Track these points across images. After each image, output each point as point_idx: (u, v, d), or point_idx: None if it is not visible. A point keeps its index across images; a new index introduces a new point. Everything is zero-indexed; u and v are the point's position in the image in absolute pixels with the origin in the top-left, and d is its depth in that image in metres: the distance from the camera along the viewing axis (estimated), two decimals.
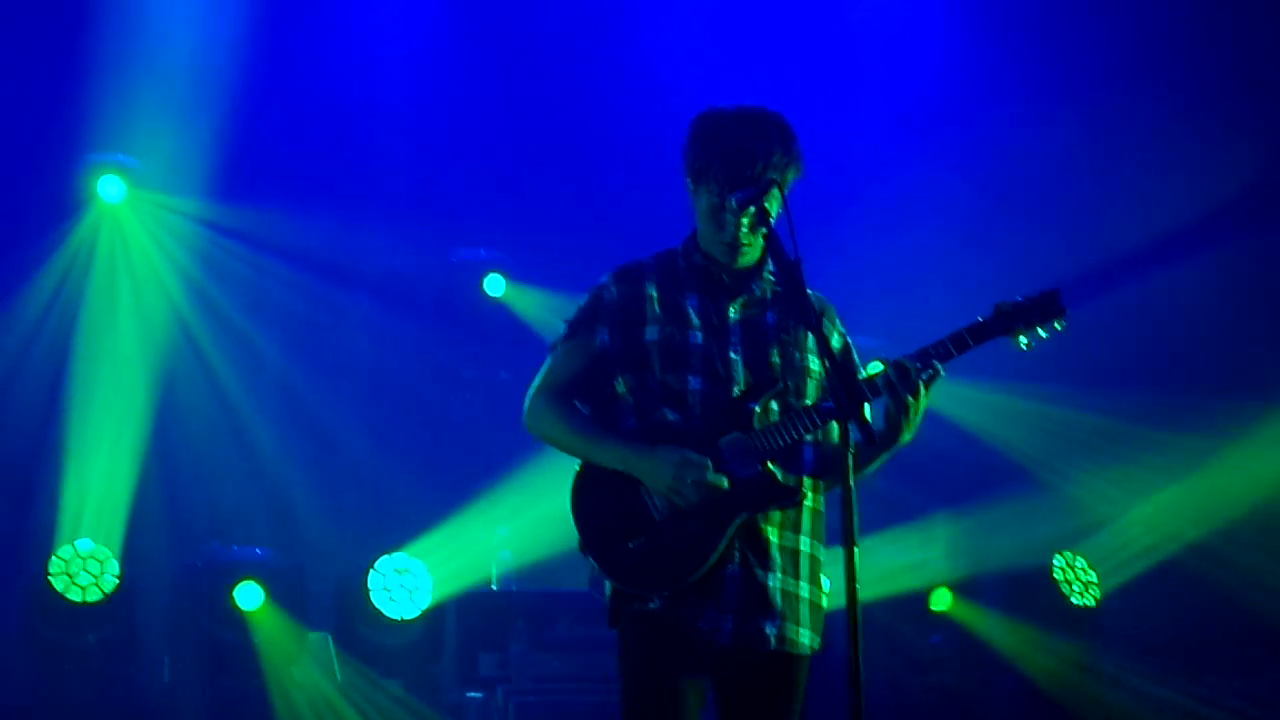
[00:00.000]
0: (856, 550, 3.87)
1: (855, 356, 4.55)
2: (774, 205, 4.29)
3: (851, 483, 3.92)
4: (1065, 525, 10.69)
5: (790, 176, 4.38)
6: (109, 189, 9.83)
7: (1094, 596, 10.25)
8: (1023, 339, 4.36)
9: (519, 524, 9.73)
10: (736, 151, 4.34)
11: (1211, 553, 10.50)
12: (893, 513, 9.56)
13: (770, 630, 4.32)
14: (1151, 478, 10.73)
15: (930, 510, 10.07)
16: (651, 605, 4.28)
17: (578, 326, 4.52)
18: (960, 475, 10.39)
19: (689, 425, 4.34)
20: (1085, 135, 10.77)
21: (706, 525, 4.26)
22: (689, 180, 4.47)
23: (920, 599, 9.92)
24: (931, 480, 9.79)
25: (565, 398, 4.52)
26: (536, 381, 4.56)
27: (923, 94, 10.78)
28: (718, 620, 4.28)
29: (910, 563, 9.83)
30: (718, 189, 4.35)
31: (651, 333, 4.42)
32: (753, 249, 4.43)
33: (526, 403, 4.56)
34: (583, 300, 4.55)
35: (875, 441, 4.08)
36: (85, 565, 8.54)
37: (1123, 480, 10.79)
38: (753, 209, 4.27)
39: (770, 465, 4.32)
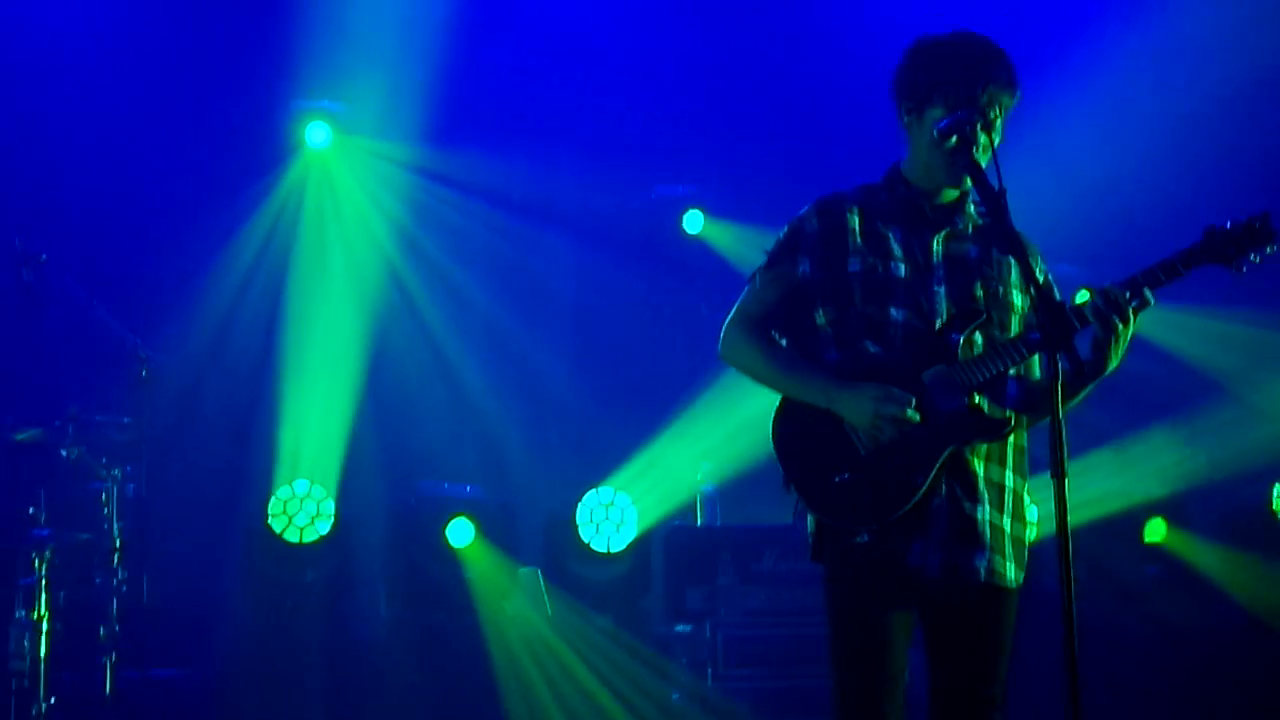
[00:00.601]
0: (1067, 482, 3.80)
1: (1058, 292, 4.46)
2: (982, 135, 4.23)
3: (1061, 414, 3.85)
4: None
5: (1006, 105, 4.33)
6: (316, 135, 10.05)
7: None
8: (1236, 264, 4.27)
9: (721, 459, 9.77)
10: (944, 112, 4.30)
11: None
12: (1092, 437, 9.36)
13: (980, 563, 4.29)
14: None
15: (1132, 431, 9.82)
16: (859, 539, 4.27)
17: (778, 257, 4.50)
18: (1161, 396, 10.15)
19: (891, 358, 4.31)
20: None
21: (913, 459, 4.24)
22: (904, 105, 4.44)
23: (1134, 530, 9.74)
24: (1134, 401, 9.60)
25: (763, 329, 4.51)
26: (734, 311, 4.56)
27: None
28: (926, 554, 4.26)
29: (1115, 487, 9.64)
30: (941, 112, 4.31)
31: (854, 264, 4.39)
32: (958, 184, 4.38)
33: (723, 332, 4.56)
34: (782, 232, 4.53)
35: (1084, 372, 4.02)
36: (303, 506, 8.76)
37: None
38: (955, 138, 4.22)
39: (976, 398, 4.28)
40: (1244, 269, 4.29)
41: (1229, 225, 4.29)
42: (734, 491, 9.66)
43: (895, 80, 4.46)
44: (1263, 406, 10.38)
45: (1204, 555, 9.83)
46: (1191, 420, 10.11)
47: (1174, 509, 9.87)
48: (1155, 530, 9.80)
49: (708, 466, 9.65)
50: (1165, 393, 10.09)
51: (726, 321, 4.56)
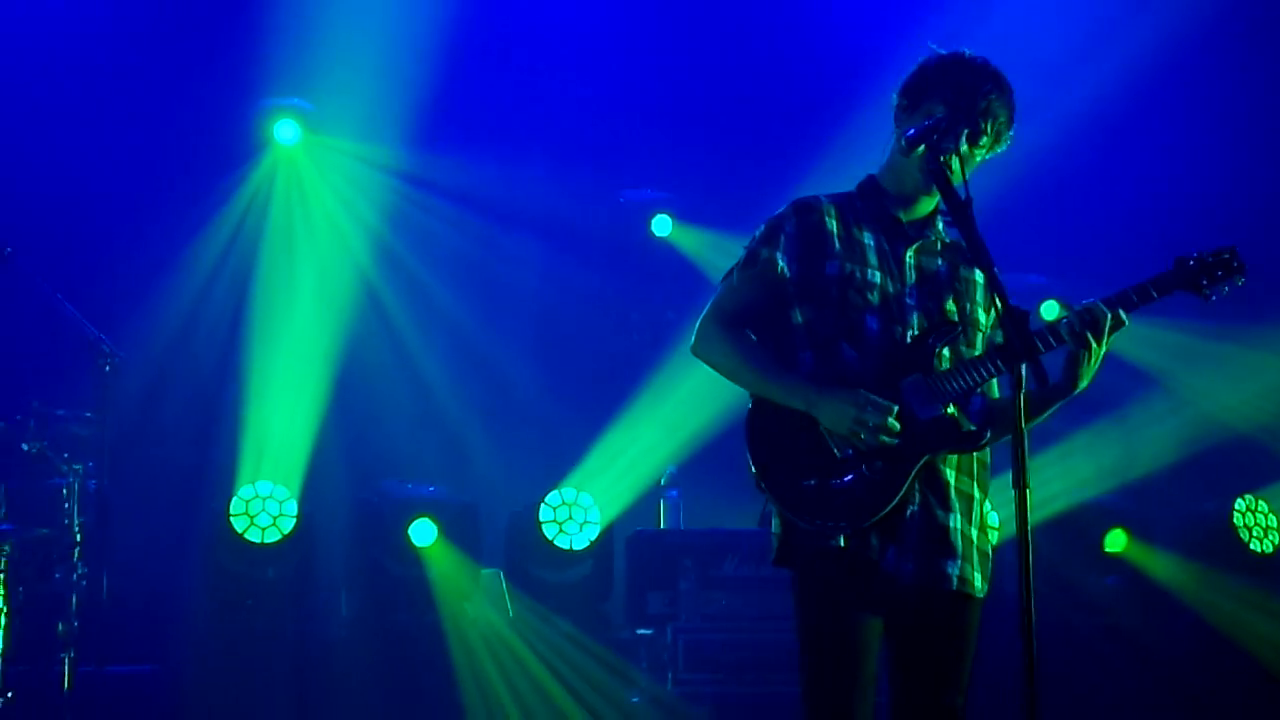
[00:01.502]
0: (1029, 492, 3.83)
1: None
2: (948, 144, 4.24)
3: (1024, 425, 3.88)
4: (1250, 468, 10.50)
5: (979, 153, 4.39)
6: (285, 132, 10.03)
7: (1273, 543, 10.03)
8: (1206, 293, 4.38)
9: (686, 462, 9.79)
10: (943, 114, 4.33)
11: None
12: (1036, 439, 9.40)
13: (952, 571, 4.33)
14: None
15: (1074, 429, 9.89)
16: (833, 543, 4.27)
17: (756, 253, 4.49)
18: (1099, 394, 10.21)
19: (868, 363, 4.33)
20: None
21: (889, 466, 4.26)
22: (901, 100, 4.48)
23: (1095, 540, 9.81)
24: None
25: (738, 326, 4.50)
26: (709, 307, 4.54)
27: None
28: (900, 560, 4.28)
29: (1062, 487, 9.71)
30: (940, 109, 4.35)
31: (832, 267, 4.40)
32: (930, 196, 4.42)
33: (697, 327, 4.54)
34: (759, 230, 4.53)
35: (1048, 389, 4.08)
36: (265, 506, 8.74)
37: None
38: (922, 147, 4.24)
39: (951, 409, 4.32)
40: (1212, 298, 4.39)
41: (1199, 255, 4.37)
42: (698, 495, 9.69)
43: (903, 82, 4.50)
44: (1192, 401, 10.50)
45: (1164, 567, 9.90)
46: (1128, 416, 10.18)
47: (1135, 520, 9.94)
48: (1116, 541, 9.86)
49: (672, 470, 9.67)
50: (1103, 390, 10.15)
51: (701, 317, 4.55)
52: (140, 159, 9.79)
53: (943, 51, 4.50)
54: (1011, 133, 4.46)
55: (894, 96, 4.51)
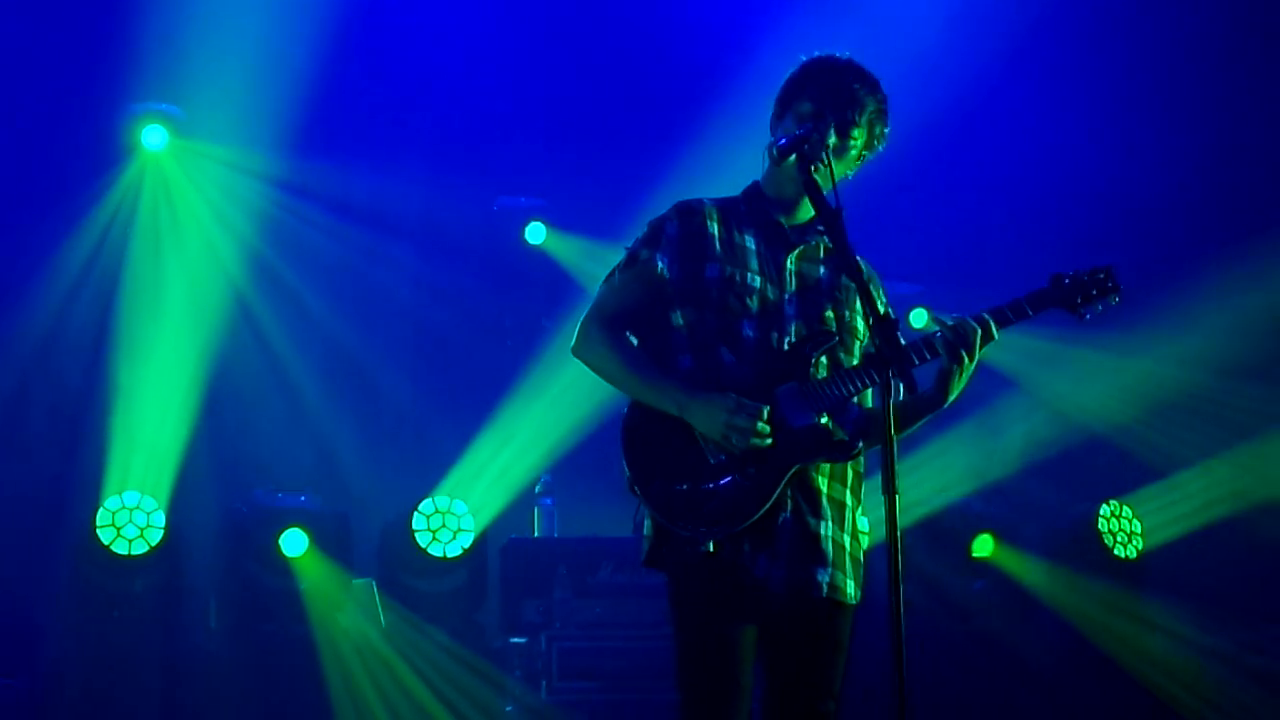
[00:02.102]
0: (898, 499, 3.87)
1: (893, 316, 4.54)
2: (819, 154, 4.28)
3: (893, 433, 3.93)
4: (1117, 473, 10.71)
5: (852, 150, 4.45)
6: (152, 138, 9.89)
7: (1136, 548, 10.22)
8: (1080, 312, 4.45)
9: (561, 469, 9.80)
10: (811, 110, 4.40)
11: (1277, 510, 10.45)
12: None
13: (823, 578, 4.33)
14: (1219, 432, 10.70)
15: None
16: (704, 549, 4.27)
17: (637, 254, 4.49)
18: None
19: (744, 370, 4.34)
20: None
21: (761, 472, 4.27)
22: (774, 110, 4.53)
23: (962, 545, 9.94)
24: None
25: (618, 328, 4.49)
26: (590, 308, 4.54)
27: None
28: (771, 567, 4.29)
29: (930, 490, 9.84)
30: (809, 109, 4.41)
31: (712, 270, 4.41)
32: (807, 202, 4.41)
33: (577, 329, 4.53)
34: (642, 232, 4.54)
35: (916, 392, 4.10)
36: (132, 517, 8.61)
37: (1186, 434, 10.78)
38: (793, 156, 4.29)
39: (825, 418, 4.34)
40: (1087, 317, 4.46)
41: (1074, 274, 4.45)
42: (573, 502, 9.70)
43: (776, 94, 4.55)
44: (1052, 404, 10.70)
45: (1031, 571, 10.05)
46: (989, 417, 10.34)
47: (1003, 525, 10.08)
48: (983, 545, 9.99)
49: (546, 477, 9.67)
50: (966, 393, 10.30)
51: (582, 318, 4.54)
52: (1, 164, 9.60)
53: (808, 58, 4.55)
54: (886, 130, 4.52)
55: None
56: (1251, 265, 10.25)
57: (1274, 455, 10.51)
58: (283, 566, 8.83)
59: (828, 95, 4.41)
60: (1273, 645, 10.06)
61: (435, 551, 9.08)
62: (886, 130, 4.52)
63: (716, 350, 4.37)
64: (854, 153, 4.47)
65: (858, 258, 4.42)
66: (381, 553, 9.33)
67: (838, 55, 4.52)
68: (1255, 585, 10.45)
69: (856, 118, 4.43)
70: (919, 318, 10.18)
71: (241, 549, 8.96)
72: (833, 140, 4.38)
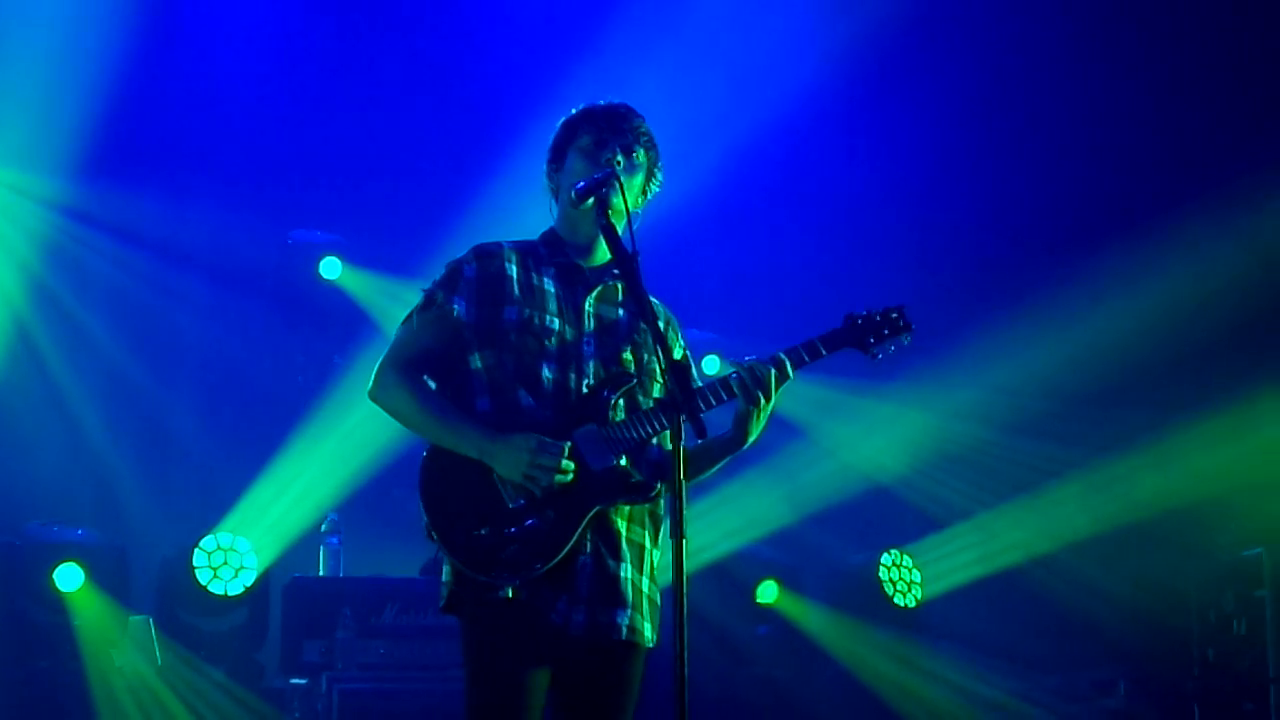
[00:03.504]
0: (685, 542, 3.90)
1: (694, 369, 4.59)
2: (617, 198, 4.34)
3: (682, 475, 3.95)
4: (900, 523, 10.93)
5: (638, 176, 4.50)
6: None
7: (915, 597, 10.42)
8: (873, 352, 4.52)
9: (347, 507, 9.68)
10: (591, 141, 4.47)
11: (1056, 566, 10.74)
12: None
13: (622, 620, 4.37)
14: (998, 486, 10.98)
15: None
16: (502, 594, 4.27)
17: (434, 297, 4.49)
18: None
19: (543, 414, 4.36)
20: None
21: (561, 515, 4.29)
22: (549, 164, 4.60)
23: (747, 591, 10.03)
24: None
25: (416, 371, 4.49)
26: (387, 351, 4.53)
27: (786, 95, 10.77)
28: (569, 611, 4.30)
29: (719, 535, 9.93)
30: (568, 176, 4.47)
31: (510, 313, 4.43)
32: (604, 244, 4.46)
33: (374, 373, 4.52)
34: (440, 274, 4.54)
35: (705, 435, 4.13)
36: None
37: (966, 486, 11.05)
38: (591, 200, 4.33)
39: (625, 460, 4.37)
40: (879, 357, 4.55)
41: (867, 313, 4.54)
42: (359, 541, 9.58)
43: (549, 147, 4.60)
44: (835, 452, 10.92)
45: (813, 618, 10.19)
46: (778, 463, 10.49)
47: (786, 572, 10.21)
48: (767, 591, 10.10)
49: (333, 516, 9.54)
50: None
51: (379, 361, 4.53)
52: None
53: (571, 111, 4.63)
54: (660, 163, 4.59)
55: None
56: (1031, 324, 10.57)
57: (1048, 510, 10.83)
58: (56, 602, 8.59)
59: (604, 125, 4.50)
60: (1044, 695, 10.33)
61: (216, 589, 8.91)
62: (661, 163, 4.60)
63: (515, 392, 4.38)
64: (640, 179, 4.53)
65: (655, 301, 4.47)
66: (160, 589, 9.12)
67: (607, 109, 4.58)
68: (1029, 636, 10.75)
69: (636, 141, 4.51)
70: (711, 364, 10.30)
71: (13, 583, 8.69)
72: (620, 160, 4.44)
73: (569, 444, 4.29)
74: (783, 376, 4.39)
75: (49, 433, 10.09)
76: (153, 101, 10.08)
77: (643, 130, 4.54)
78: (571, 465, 4.28)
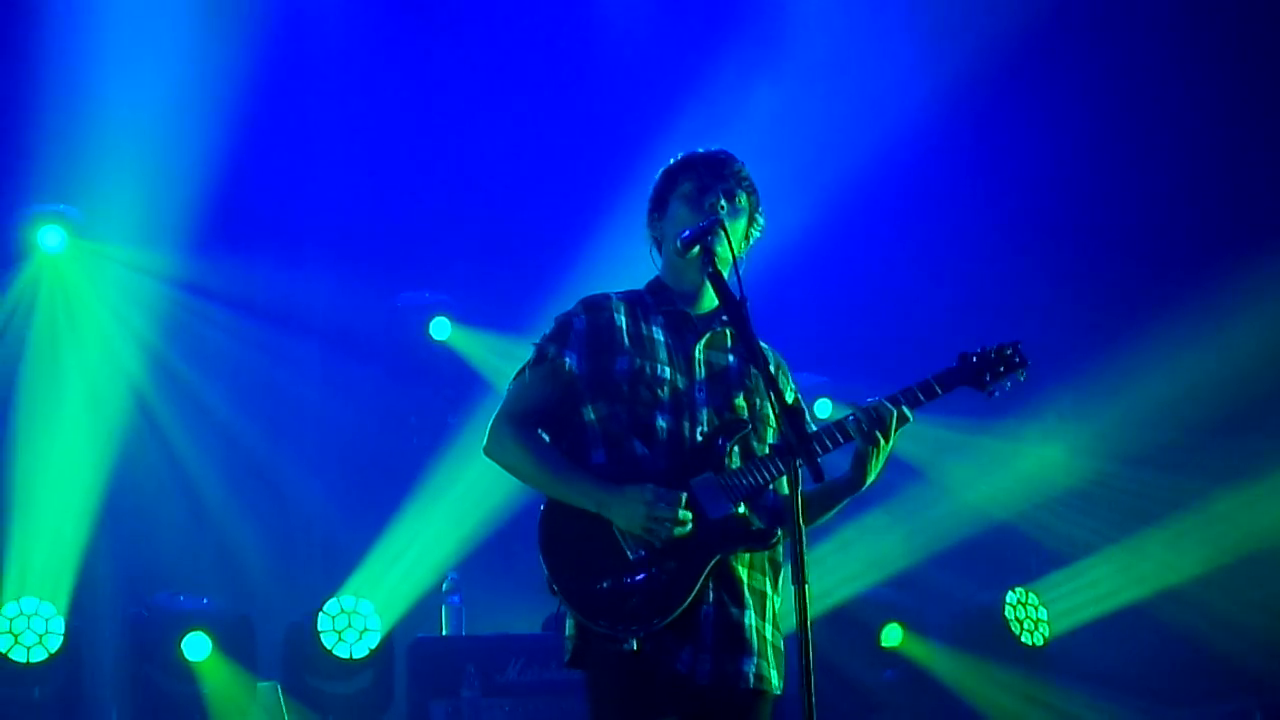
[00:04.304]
0: (807, 587, 3.88)
1: (807, 413, 4.52)
2: (723, 246, 4.33)
3: (801, 520, 3.94)
4: (1024, 560, 10.79)
5: (741, 221, 4.47)
6: (49, 239, 9.75)
7: (1044, 635, 10.27)
8: (989, 389, 4.49)
9: (467, 566, 9.72)
10: (693, 187, 4.48)
11: (1185, 598, 10.54)
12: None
13: (749, 668, 4.34)
14: (1122, 519, 10.81)
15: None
16: (626, 646, 4.25)
17: (545, 351, 4.51)
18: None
19: (659, 463, 4.35)
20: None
21: (682, 565, 4.27)
22: (651, 214, 4.62)
23: (871, 635, 9.94)
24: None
25: (531, 426, 4.50)
26: (500, 407, 4.55)
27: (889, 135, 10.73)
28: (695, 661, 4.28)
29: (842, 577, 9.86)
30: (686, 205, 4.49)
31: (622, 363, 4.44)
32: (711, 291, 4.46)
33: (489, 429, 4.54)
34: (549, 328, 4.56)
35: (822, 479, 4.10)
36: (30, 624, 8.44)
37: (1089, 520, 10.89)
38: (697, 248, 4.33)
39: (743, 507, 4.34)
40: (995, 394, 4.52)
41: (982, 351, 4.51)
42: (481, 599, 9.61)
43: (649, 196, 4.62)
44: (954, 492, 10.80)
45: (939, 660, 10.07)
46: (897, 505, 10.40)
47: (910, 613, 10.11)
48: (891, 635, 10.00)
49: (453, 575, 9.58)
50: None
51: (493, 418, 4.54)
52: None
53: (672, 160, 4.65)
54: (762, 207, 4.60)
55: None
56: (1149, 353, 10.42)
57: (1174, 541, 10.64)
58: (185, 671, 8.68)
59: (704, 171, 4.52)
60: None
61: (341, 652, 8.98)
62: (762, 207, 4.60)
63: (630, 443, 4.38)
64: (743, 224, 4.53)
65: (764, 345, 4.46)
66: (286, 654, 9.19)
67: (708, 158, 4.60)
68: (1160, 670, 10.55)
69: (738, 186, 4.52)
70: (823, 408, 10.24)
71: (143, 654, 8.80)
72: (723, 205, 4.44)
73: (685, 494, 4.28)
74: (902, 418, 4.36)
75: (172, 504, 10.22)
76: (260, 172, 10.24)
77: (743, 175, 4.55)
78: (689, 515, 4.27)
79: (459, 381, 10.59)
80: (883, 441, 4.34)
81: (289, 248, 10.48)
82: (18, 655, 8.37)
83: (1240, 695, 10.21)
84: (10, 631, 8.40)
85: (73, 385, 9.81)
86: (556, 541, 4.36)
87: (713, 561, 4.29)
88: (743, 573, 4.38)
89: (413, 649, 9.06)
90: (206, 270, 10.20)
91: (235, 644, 8.85)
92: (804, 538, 3.93)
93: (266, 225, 10.42)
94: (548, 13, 10.82)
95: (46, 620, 8.48)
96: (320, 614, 9.01)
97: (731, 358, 4.54)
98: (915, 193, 10.96)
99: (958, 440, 10.68)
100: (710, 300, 4.52)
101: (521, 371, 4.55)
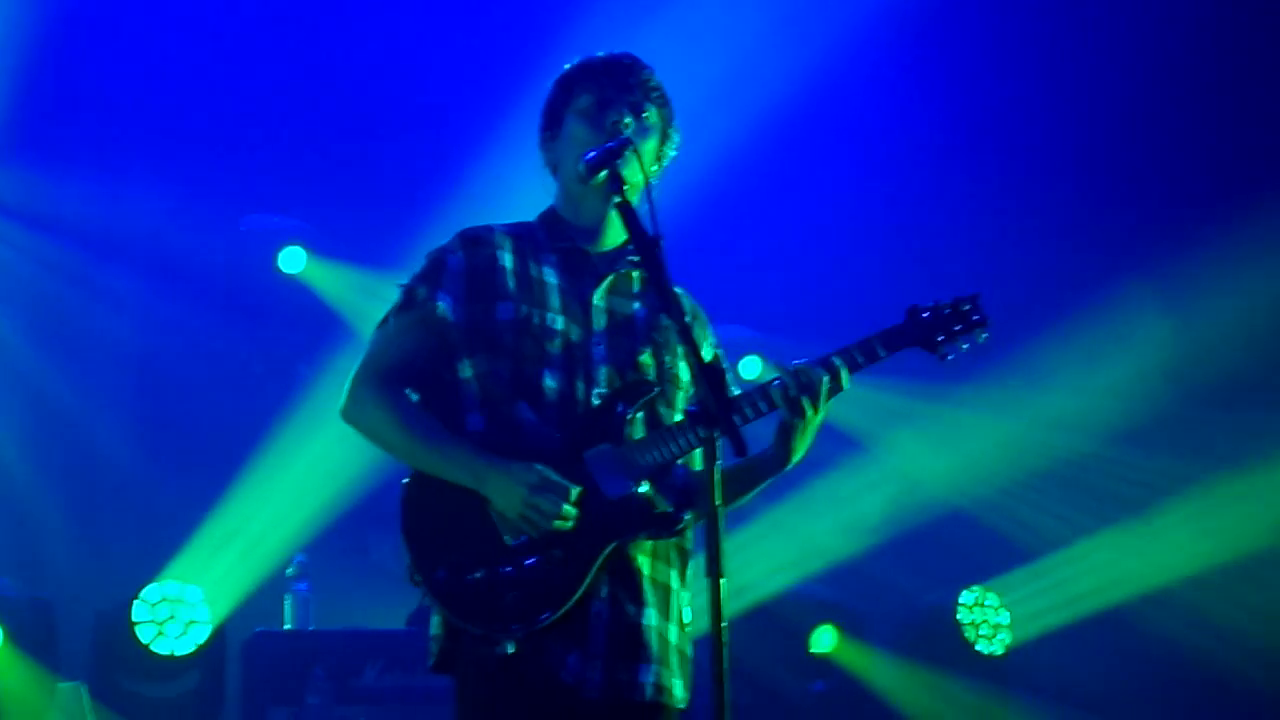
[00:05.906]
0: (724, 581, 3.85)
1: (729, 373, 4.50)
2: (633, 171, 4.32)
3: (720, 503, 3.90)
4: (982, 554, 10.91)
5: (651, 140, 4.48)
6: None
7: (1003, 643, 10.39)
8: (942, 350, 4.47)
9: (318, 548, 9.72)
10: (593, 101, 4.47)
11: (1172, 602, 10.68)
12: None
13: (646, 677, 4.34)
14: (1101, 508, 10.95)
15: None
16: (500, 650, 4.22)
17: (414, 293, 4.46)
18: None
19: (548, 430, 4.32)
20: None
21: (570, 554, 4.24)
22: (543, 133, 4.60)
23: (798, 638, 10.03)
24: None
25: (397, 384, 4.47)
26: (361, 362, 4.50)
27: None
28: (583, 669, 4.26)
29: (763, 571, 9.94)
30: (569, 146, 4.47)
31: (505, 310, 4.40)
32: (617, 224, 4.44)
33: (347, 388, 4.49)
34: (420, 266, 4.51)
35: (746, 453, 4.06)
36: None
37: (1062, 509, 11.03)
38: (604, 173, 4.32)
39: (646, 486, 4.33)
40: (949, 357, 4.49)
41: (934, 306, 4.47)
42: (332, 588, 9.62)
43: (542, 111, 4.59)
44: (896, 463, 10.91)
45: (879, 669, 10.17)
46: (832, 484, 10.49)
47: (846, 615, 10.19)
48: (823, 639, 10.06)
49: (301, 558, 9.58)
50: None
51: (352, 374, 4.49)
52: None
53: (568, 68, 4.62)
54: (675, 121, 4.58)
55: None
56: (1138, 312, 10.51)
57: (1161, 535, 10.77)
58: None
59: (606, 81, 4.49)
60: None
61: (161, 648, 8.97)
62: (675, 122, 4.59)
63: (512, 406, 4.35)
64: (654, 143, 4.51)
65: (681, 291, 4.45)
66: (94, 650, 9.17)
67: (613, 63, 4.56)
68: (1140, 685, 10.72)
69: (646, 99, 4.50)
70: (751, 366, 10.29)
71: None
72: (629, 122, 4.43)
73: (579, 489, 4.24)
74: (835, 383, 4.32)
75: None
76: (76, 67, 10.12)
77: (653, 84, 4.52)
78: (574, 512, 4.23)
79: (313, 324, 10.56)
80: (810, 412, 4.29)
81: (106, 155, 10.37)
82: None
83: (1234, 714, 10.42)
84: None
85: None
86: (420, 522, 4.32)
87: (607, 550, 4.26)
88: (643, 564, 4.36)
89: (249, 646, 9.08)
90: (4, 183, 10.10)
91: (30, 636, 8.80)
92: (721, 522, 3.92)
93: (80, 127, 10.31)
94: None
95: None
96: (136, 602, 8.98)
97: (638, 305, 4.51)
98: (865, 115, 11.02)
99: (905, 408, 10.76)
100: (615, 236, 4.49)
101: (386, 319, 4.50)
